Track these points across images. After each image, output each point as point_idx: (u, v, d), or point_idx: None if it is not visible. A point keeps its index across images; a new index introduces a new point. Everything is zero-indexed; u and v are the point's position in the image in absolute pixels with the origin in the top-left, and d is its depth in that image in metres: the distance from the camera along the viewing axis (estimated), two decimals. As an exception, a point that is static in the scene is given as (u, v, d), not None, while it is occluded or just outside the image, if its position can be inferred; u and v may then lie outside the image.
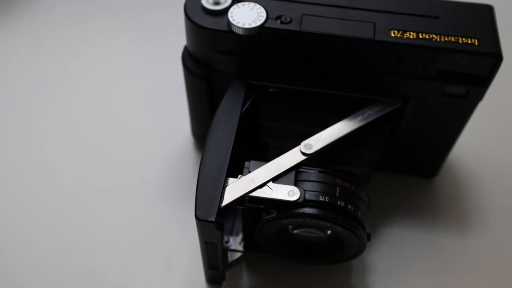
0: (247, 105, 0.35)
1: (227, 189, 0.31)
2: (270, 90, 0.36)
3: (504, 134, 0.46)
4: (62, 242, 0.39)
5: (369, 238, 0.33)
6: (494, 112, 0.47)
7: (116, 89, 0.48)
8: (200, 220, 0.29)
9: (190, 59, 0.36)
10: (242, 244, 0.37)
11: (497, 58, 0.31)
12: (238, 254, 0.38)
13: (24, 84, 0.48)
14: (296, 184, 0.31)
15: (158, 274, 0.38)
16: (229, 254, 0.37)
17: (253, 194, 0.30)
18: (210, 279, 0.37)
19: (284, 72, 0.35)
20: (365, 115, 0.34)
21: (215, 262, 0.34)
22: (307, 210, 0.30)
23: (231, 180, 0.31)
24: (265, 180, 0.31)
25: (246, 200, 0.31)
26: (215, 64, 0.35)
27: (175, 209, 0.41)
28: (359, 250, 0.33)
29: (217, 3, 0.33)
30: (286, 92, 0.35)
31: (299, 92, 0.35)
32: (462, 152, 0.44)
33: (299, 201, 0.30)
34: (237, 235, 0.38)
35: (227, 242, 0.38)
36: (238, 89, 0.34)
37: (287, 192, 0.31)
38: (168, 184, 0.42)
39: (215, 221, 0.29)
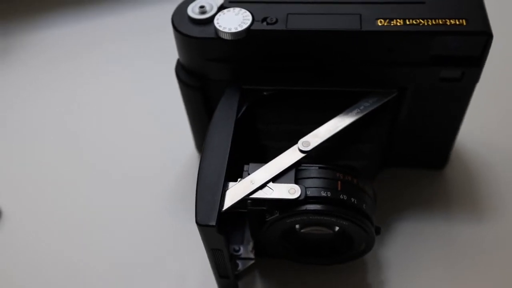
0: (242, 110, 0.35)
1: (227, 193, 0.30)
2: (265, 93, 0.36)
3: (509, 117, 0.45)
4: (73, 261, 0.39)
5: (378, 231, 0.33)
6: (498, 96, 0.46)
7: (118, 113, 0.48)
8: (201, 226, 0.29)
9: (183, 71, 0.37)
10: (253, 252, 0.37)
11: (487, 36, 0.31)
12: (250, 262, 0.37)
13: (31, 119, 0.49)
14: (296, 182, 0.31)
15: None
16: (240, 262, 0.37)
17: (253, 196, 0.30)
18: (222, 288, 0.37)
19: (277, 74, 0.35)
20: (361, 108, 0.34)
21: (224, 270, 0.33)
22: (310, 206, 0.30)
23: (231, 184, 0.31)
24: (264, 181, 0.31)
25: (248, 203, 0.31)
26: (208, 73, 0.35)
27: (184, 224, 0.40)
28: (369, 244, 0.33)
29: (203, 12, 0.34)
30: (281, 94, 0.35)
31: (294, 92, 0.35)
32: (469, 140, 0.43)
33: (300, 198, 0.30)
34: (248, 243, 0.38)
35: (238, 250, 0.37)
36: (232, 95, 0.34)
37: (288, 191, 0.30)
38: (176, 200, 0.42)
39: (216, 225, 0.28)
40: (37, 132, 0.48)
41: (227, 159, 0.31)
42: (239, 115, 0.34)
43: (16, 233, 0.41)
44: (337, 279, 0.37)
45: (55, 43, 0.55)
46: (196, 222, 0.29)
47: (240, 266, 0.37)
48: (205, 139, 0.32)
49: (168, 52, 0.41)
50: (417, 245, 0.38)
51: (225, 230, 0.30)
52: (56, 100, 0.50)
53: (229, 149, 0.32)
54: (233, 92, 0.35)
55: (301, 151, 0.32)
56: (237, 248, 0.37)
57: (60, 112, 0.49)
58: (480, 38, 0.31)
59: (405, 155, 0.41)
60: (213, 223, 0.29)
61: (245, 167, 0.32)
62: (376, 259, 0.37)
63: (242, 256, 0.37)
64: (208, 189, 0.30)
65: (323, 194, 0.30)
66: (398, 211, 0.40)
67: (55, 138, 0.47)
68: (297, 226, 0.33)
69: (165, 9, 0.40)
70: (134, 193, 0.43)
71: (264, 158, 0.33)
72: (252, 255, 0.37)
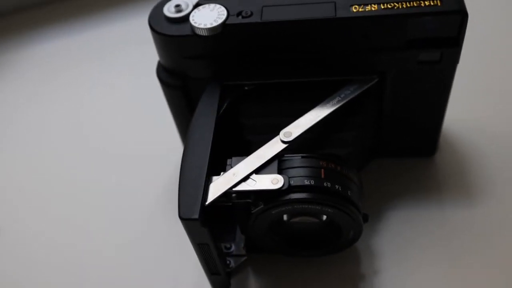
0: (224, 106, 0.35)
1: (211, 187, 0.30)
2: (246, 88, 0.36)
3: (497, 100, 0.45)
4: (68, 261, 0.39)
5: (366, 219, 0.32)
6: (483, 79, 0.46)
7: (111, 120, 0.49)
8: (184, 219, 0.28)
9: (164, 72, 0.37)
10: (245, 248, 0.37)
11: (462, 15, 0.31)
12: (242, 259, 0.37)
13: (26, 132, 0.49)
14: (280, 172, 0.31)
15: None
16: (233, 260, 0.37)
17: (237, 188, 0.30)
18: (215, 287, 0.36)
19: (256, 68, 0.35)
20: (342, 96, 0.33)
21: (214, 266, 0.33)
22: (294, 195, 0.30)
23: (214, 178, 0.31)
24: (247, 173, 0.30)
25: (232, 196, 0.31)
26: (188, 71, 0.36)
27: (177, 224, 0.40)
28: (357, 232, 0.32)
29: (179, 11, 0.34)
30: (262, 88, 0.35)
31: (275, 85, 0.35)
32: (458, 126, 0.43)
33: (283, 188, 0.30)
34: (240, 241, 0.37)
35: (229, 248, 0.37)
36: (212, 91, 0.34)
37: (271, 181, 0.30)
38: (168, 204, 0.42)
39: (199, 219, 0.28)
40: (34, 142, 0.48)
41: (209, 153, 0.31)
42: (221, 111, 0.34)
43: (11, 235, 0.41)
44: (330, 271, 0.36)
45: (48, 56, 0.56)
46: (179, 216, 0.29)
47: (232, 263, 0.37)
48: (186, 135, 0.33)
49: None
50: (410, 232, 0.37)
51: (210, 224, 0.30)
52: (52, 111, 0.50)
53: (210, 143, 0.32)
54: (214, 89, 0.35)
55: (283, 142, 0.32)
56: (228, 245, 0.37)
57: (56, 123, 0.49)
58: (455, 17, 0.31)
59: (394, 144, 0.41)
60: (196, 216, 0.28)
61: (228, 161, 0.32)
62: (369, 249, 0.37)
63: (234, 253, 0.37)
64: (190, 183, 0.30)
65: (307, 182, 0.30)
66: (390, 200, 0.40)
67: (52, 147, 0.47)
68: (284, 217, 0.32)
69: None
70: (130, 194, 0.43)
71: (248, 153, 0.33)
72: (243, 252, 0.37)
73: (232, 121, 0.35)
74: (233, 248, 0.37)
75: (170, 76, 0.37)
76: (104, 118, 0.49)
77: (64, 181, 0.45)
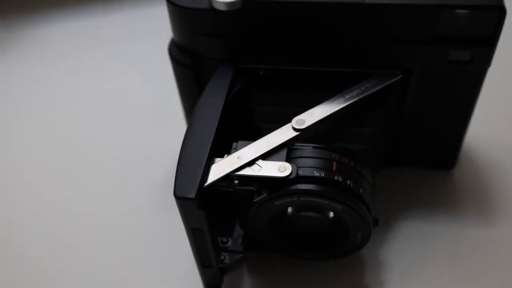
0: (236, 89, 0.33)
1: (212, 168, 0.28)
2: (261, 72, 0.34)
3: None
4: (54, 254, 0.37)
5: (376, 222, 0.30)
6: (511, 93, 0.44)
7: (113, 109, 0.47)
8: (179, 198, 0.26)
9: (176, 49, 0.35)
10: (242, 245, 0.34)
11: (500, 12, 0.28)
12: (238, 256, 0.34)
13: (25, 112, 0.48)
14: (288, 161, 0.28)
15: (155, 281, 0.35)
16: (228, 255, 0.34)
17: (240, 172, 0.28)
18: (207, 282, 0.33)
19: (274, 52, 0.33)
20: (362, 89, 0.31)
21: (207, 257, 0.30)
22: (301, 186, 0.27)
23: (216, 159, 0.29)
24: (253, 158, 0.28)
25: (234, 181, 0.28)
26: (201, 49, 0.34)
27: (173, 218, 0.38)
28: (365, 235, 0.30)
29: (198, -16, 0.32)
30: (277, 74, 0.33)
31: (291, 73, 0.33)
32: (480, 140, 0.41)
33: (291, 177, 0.27)
34: (237, 236, 0.35)
35: (226, 242, 0.35)
36: (224, 72, 0.32)
37: (278, 169, 0.28)
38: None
39: (196, 199, 0.26)
40: (28, 125, 0.46)
41: (213, 134, 0.29)
42: (232, 94, 0.32)
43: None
44: (331, 277, 0.33)
45: (55, 39, 0.54)
46: (174, 194, 0.26)
47: (227, 259, 0.34)
48: (192, 112, 0.31)
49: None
50: (421, 246, 0.35)
51: (208, 209, 0.28)
52: (52, 95, 0.49)
53: (216, 124, 0.30)
54: (226, 70, 0.33)
55: (295, 129, 0.30)
56: (225, 240, 0.35)
57: (54, 107, 0.48)
58: (492, 14, 0.29)
59: (411, 152, 0.38)
60: (192, 195, 0.26)
61: (234, 144, 0.30)
62: (376, 258, 0.34)
63: (230, 248, 0.34)
64: (190, 161, 0.28)
65: (316, 174, 0.28)
66: (403, 210, 0.37)
67: (46, 131, 0.45)
68: (288, 210, 0.30)
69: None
70: (126, 182, 0.41)
71: (256, 139, 0.31)
72: (240, 249, 0.34)
73: (242, 106, 0.33)
74: (229, 243, 0.34)
75: (181, 54, 0.35)
76: (106, 106, 0.47)
77: (61, 166, 0.42)
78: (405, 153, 0.38)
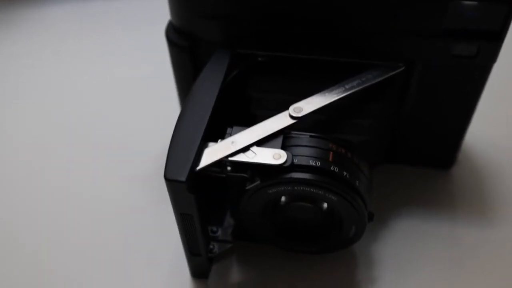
0: (233, 75, 0.32)
1: (205, 152, 0.27)
2: (259, 59, 0.33)
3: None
4: (44, 239, 0.36)
5: (371, 217, 0.29)
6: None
7: (112, 91, 0.46)
8: (169, 181, 0.25)
9: (173, 31, 0.34)
10: (232, 235, 0.33)
11: (509, 5, 0.28)
12: (227, 246, 0.33)
13: (24, 91, 0.47)
14: (284, 149, 0.27)
15: (141, 269, 0.34)
16: (217, 245, 0.33)
17: (233, 158, 0.27)
18: (194, 272, 0.32)
19: (273, 39, 0.32)
20: (363, 79, 0.30)
21: (195, 245, 0.29)
22: (295, 175, 0.26)
23: (210, 144, 0.28)
24: (247, 144, 0.27)
25: (226, 166, 0.27)
26: (199, 32, 0.33)
27: (163, 203, 0.37)
28: (359, 229, 0.29)
29: (199, -37, 0.31)
30: (277, 61, 0.32)
31: (291, 60, 0.32)
32: (479, 141, 0.40)
33: (286, 165, 0.26)
34: (228, 226, 0.34)
35: (215, 232, 0.34)
36: (222, 57, 0.32)
37: (272, 156, 0.27)
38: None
39: (186, 182, 0.25)
40: (25, 106, 0.45)
41: (208, 117, 0.28)
42: (229, 79, 0.31)
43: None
44: (322, 272, 0.32)
45: (54, 20, 0.54)
46: (165, 176, 0.25)
47: (216, 248, 0.33)
48: (187, 95, 0.30)
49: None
50: (416, 245, 0.34)
51: (199, 193, 0.27)
52: (49, 78, 0.48)
53: (211, 108, 0.29)
54: (224, 54, 0.32)
55: (292, 117, 0.29)
56: (215, 229, 0.34)
57: (51, 90, 0.47)
58: (501, 7, 0.28)
59: (409, 150, 0.37)
60: (183, 178, 0.25)
61: (228, 129, 0.29)
62: (369, 255, 0.33)
63: (220, 238, 0.33)
64: (182, 144, 0.27)
65: (312, 163, 0.27)
66: (399, 207, 0.36)
67: (41, 113, 0.44)
68: (282, 199, 0.29)
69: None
70: (114, 169, 0.40)
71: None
72: (230, 239, 0.33)
73: (239, 92, 0.32)
74: (219, 232, 0.33)
75: (179, 36, 0.34)
76: (101, 89, 0.46)
77: (54, 148, 0.41)
78: (403, 150, 0.37)
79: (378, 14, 0.30)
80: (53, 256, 0.35)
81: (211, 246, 0.33)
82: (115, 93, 0.46)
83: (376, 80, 0.31)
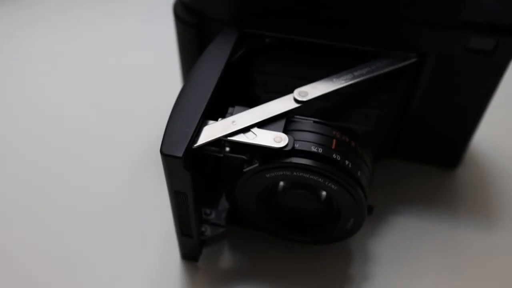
0: (238, 54, 0.31)
1: (204, 130, 0.26)
2: (267, 40, 0.32)
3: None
4: (33, 220, 0.35)
5: (370, 211, 0.28)
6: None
7: (112, 65, 0.45)
8: (166, 156, 0.24)
9: (181, 7, 0.33)
10: (226, 219, 0.32)
11: (531, 0, 0.27)
12: (220, 230, 0.33)
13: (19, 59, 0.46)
14: (286, 132, 0.26)
15: (131, 247, 0.33)
16: (210, 228, 0.32)
17: (233, 138, 0.26)
18: (184, 253, 0.32)
19: (282, 20, 0.31)
20: (373, 68, 0.29)
21: (187, 225, 0.29)
22: (296, 160, 0.25)
23: (210, 122, 0.27)
24: (248, 124, 0.26)
25: (225, 146, 0.26)
26: (207, 10, 0.32)
27: (157, 182, 0.36)
28: (358, 221, 0.28)
29: None
30: (284, 44, 0.31)
31: (299, 43, 0.31)
32: (487, 142, 0.39)
33: (286, 148, 0.25)
34: (222, 210, 0.33)
35: (209, 214, 0.33)
36: (228, 35, 0.30)
37: (273, 139, 0.26)
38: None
39: (183, 157, 0.24)
40: (22, 78, 0.44)
41: (209, 95, 0.27)
42: (234, 58, 0.30)
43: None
44: (316, 264, 0.32)
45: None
46: (161, 151, 0.24)
47: (209, 231, 0.32)
48: (190, 71, 0.29)
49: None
50: (413, 243, 0.33)
51: (195, 171, 0.26)
52: (50, 51, 0.46)
53: (214, 86, 0.28)
54: (231, 33, 0.31)
55: (296, 101, 0.28)
56: (208, 211, 0.33)
57: (51, 63, 0.45)
58: (522, 2, 0.27)
59: (415, 146, 0.36)
60: (179, 154, 0.24)
61: (230, 109, 0.28)
62: (365, 250, 0.32)
63: (213, 221, 0.32)
64: (181, 120, 0.26)
65: (314, 149, 0.26)
66: (399, 204, 0.35)
67: (40, 86, 0.43)
68: (279, 186, 0.28)
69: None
70: (110, 146, 0.39)
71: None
72: (223, 223, 0.32)
73: (244, 72, 0.31)
74: (213, 215, 0.33)
75: (187, 12, 0.33)
76: (102, 64, 0.45)
77: (51, 123, 0.40)
78: (408, 145, 0.36)
79: (394, 1, 0.28)
80: (40, 232, 0.34)
81: (203, 229, 0.32)
82: (118, 65, 0.45)
83: (386, 70, 0.29)
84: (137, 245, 0.33)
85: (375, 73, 0.29)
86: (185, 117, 0.26)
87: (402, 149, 0.36)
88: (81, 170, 0.37)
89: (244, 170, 0.27)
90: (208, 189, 0.33)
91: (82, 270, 0.32)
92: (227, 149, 0.27)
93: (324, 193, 0.28)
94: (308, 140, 0.26)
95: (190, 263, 0.32)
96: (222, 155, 0.27)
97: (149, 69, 0.44)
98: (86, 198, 0.36)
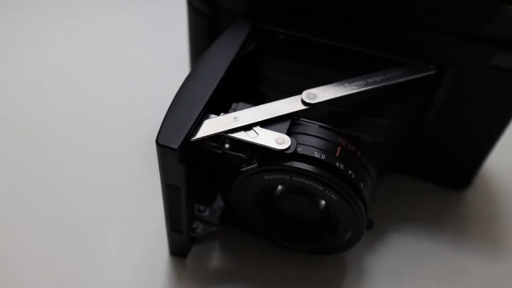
0: (249, 49, 0.30)
1: (204, 123, 0.25)
2: (280, 36, 0.31)
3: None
4: (22, 208, 0.34)
5: (370, 225, 0.27)
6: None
7: (118, 53, 0.43)
8: (161, 146, 0.23)
9: (195, -5, 0.32)
10: (219, 218, 0.31)
11: None
12: (212, 228, 0.31)
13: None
14: (289, 134, 0.25)
15: (119, 239, 0.32)
16: (202, 225, 0.31)
17: (233, 134, 0.25)
18: (173, 249, 0.31)
19: (299, 17, 0.29)
20: (388, 76, 0.28)
21: (178, 219, 0.27)
22: (296, 164, 0.24)
23: (211, 115, 0.26)
24: (251, 122, 0.25)
25: (225, 143, 0.25)
26: (221, 0, 0.31)
27: (152, 175, 0.35)
28: (355, 235, 0.26)
29: None
30: (299, 42, 0.30)
31: (314, 44, 0.30)
32: (500, 166, 0.37)
33: (288, 151, 0.24)
34: (217, 208, 0.32)
35: (203, 211, 0.32)
36: (241, 27, 0.29)
37: (275, 140, 0.25)
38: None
39: (178, 150, 0.23)
40: (23, 62, 0.42)
41: (214, 87, 0.26)
42: (244, 52, 0.29)
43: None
44: (307, 275, 0.30)
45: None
46: (156, 141, 0.23)
47: (200, 229, 0.31)
48: (197, 61, 0.27)
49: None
50: (411, 264, 0.32)
51: (190, 165, 0.25)
52: (54, 36, 0.45)
53: (220, 78, 0.26)
54: (243, 26, 0.29)
55: (304, 103, 0.26)
56: (202, 208, 0.32)
57: (55, 48, 0.44)
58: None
59: (424, 162, 0.35)
60: (175, 146, 0.23)
61: (233, 104, 0.26)
62: (360, 267, 0.31)
63: (206, 218, 0.31)
64: (182, 111, 0.25)
65: (317, 155, 0.25)
66: (402, 221, 0.34)
67: (41, 71, 0.42)
68: (277, 189, 0.27)
69: None
70: (110, 136, 0.37)
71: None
72: (216, 222, 0.31)
73: (253, 68, 0.30)
74: (207, 212, 0.31)
75: (200, 1, 0.31)
76: (107, 50, 0.43)
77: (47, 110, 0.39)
78: (417, 161, 0.35)
79: (418, 7, 0.27)
80: (30, 221, 0.33)
81: (195, 225, 0.31)
82: (122, 54, 0.43)
83: (402, 79, 0.28)
84: (127, 236, 0.32)
85: (390, 82, 0.28)
86: (186, 108, 0.25)
87: (410, 164, 0.35)
88: (77, 158, 0.36)
89: (242, 169, 0.25)
90: (204, 185, 0.32)
91: (70, 257, 0.31)
92: (227, 145, 0.26)
93: (323, 201, 0.26)
94: (312, 145, 0.25)
95: (178, 259, 0.31)
96: (220, 152, 0.26)
97: (158, 58, 0.43)
98: (81, 186, 0.34)
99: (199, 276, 0.30)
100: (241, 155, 0.25)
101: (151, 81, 0.41)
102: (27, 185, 0.35)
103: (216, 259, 0.31)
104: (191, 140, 0.24)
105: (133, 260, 0.31)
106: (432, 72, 0.28)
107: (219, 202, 0.32)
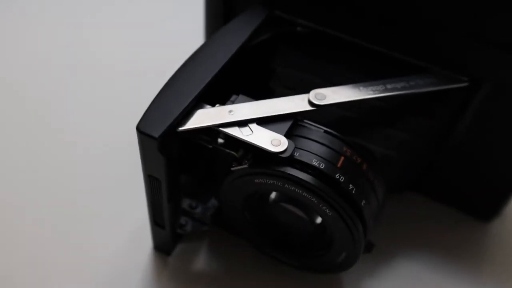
0: (262, 38, 0.27)
1: (196, 113, 0.23)
2: (298, 28, 0.28)
3: None
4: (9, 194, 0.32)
5: (369, 249, 0.24)
6: None
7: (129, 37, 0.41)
8: (141, 133, 0.21)
9: (214, -26, 0.30)
10: (211, 218, 0.29)
11: None
12: (202, 228, 0.29)
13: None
14: (288, 136, 0.22)
15: (103, 229, 0.30)
16: (191, 223, 0.29)
17: (225, 129, 0.22)
18: (156, 244, 0.29)
19: (321, 8, 0.26)
20: (411, 83, 0.25)
21: (160, 213, 0.25)
22: (291, 170, 0.21)
23: (205, 106, 0.23)
24: (247, 118, 0.23)
25: (216, 137, 0.23)
26: (240, -18, 0.28)
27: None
28: (350, 258, 0.23)
29: None
30: (317, 36, 0.27)
31: (335, 39, 0.27)
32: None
33: (283, 155, 0.22)
34: (211, 207, 0.30)
35: (194, 207, 0.29)
36: (255, 14, 0.27)
37: (271, 141, 0.22)
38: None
39: (158, 139, 0.21)
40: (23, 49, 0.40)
41: (213, 74, 0.24)
42: (255, 41, 0.27)
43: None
44: (297, 292, 0.28)
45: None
46: (137, 127, 0.21)
47: (189, 226, 0.29)
48: (199, 47, 0.25)
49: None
50: (419, 297, 0.29)
51: (173, 156, 0.23)
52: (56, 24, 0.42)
53: (220, 66, 0.24)
54: (259, 12, 0.27)
55: (311, 103, 0.24)
56: (194, 204, 0.29)
57: (58, 35, 0.41)
58: None
59: (446, 185, 0.31)
60: (156, 134, 0.21)
61: (233, 96, 0.24)
62: (359, 289, 0.28)
63: (196, 216, 0.29)
64: (173, 98, 0.23)
65: (315, 163, 0.22)
66: (410, 247, 0.30)
67: (43, 54, 0.40)
68: (270, 197, 0.24)
69: None
70: (104, 121, 0.36)
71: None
72: (207, 221, 0.29)
73: (263, 60, 0.28)
74: (199, 209, 0.29)
75: (218, -16, 0.30)
76: (114, 36, 0.41)
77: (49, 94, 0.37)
78: (438, 183, 0.31)
79: (454, 11, 0.23)
80: (16, 206, 0.31)
81: (183, 222, 0.29)
82: (131, 38, 0.41)
83: (427, 89, 0.25)
84: (112, 225, 0.30)
85: (413, 91, 0.25)
86: (177, 95, 0.23)
87: (429, 185, 0.31)
88: (63, 148, 0.34)
89: (232, 168, 0.23)
90: (200, 181, 0.29)
91: (51, 243, 0.30)
92: (220, 140, 0.23)
93: (318, 216, 0.24)
94: (311, 151, 0.22)
95: (161, 255, 0.29)
96: (210, 146, 0.23)
97: (173, 41, 0.41)
98: (68, 173, 0.33)
99: (180, 277, 0.28)
100: (233, 153, 0.23)
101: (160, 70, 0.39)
102: (12, 176, 0.33)
103: (201, 261, 0.29)
104: (178, 130, 0.22)
105: (116, 248, 0.29)
106: (463, 84, 0.25)
107: (214, 201, 0.30)
